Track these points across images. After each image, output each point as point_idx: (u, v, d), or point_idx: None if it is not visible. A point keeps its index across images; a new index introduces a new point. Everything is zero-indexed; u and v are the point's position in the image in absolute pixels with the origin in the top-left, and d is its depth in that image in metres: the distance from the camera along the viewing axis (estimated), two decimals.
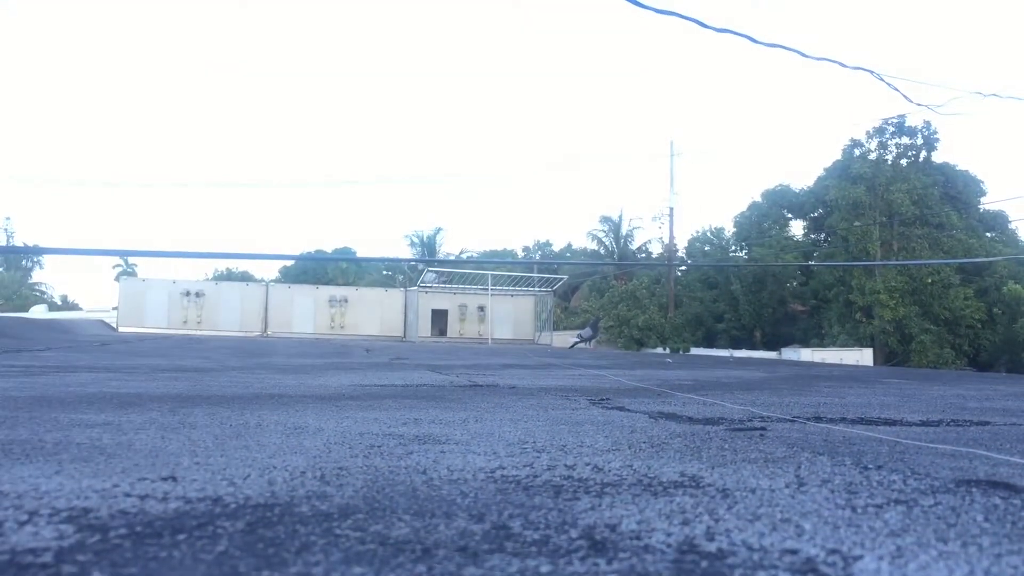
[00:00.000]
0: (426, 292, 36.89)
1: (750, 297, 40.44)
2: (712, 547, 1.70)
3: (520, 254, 64.38)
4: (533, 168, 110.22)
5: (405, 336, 35.19)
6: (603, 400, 5.59)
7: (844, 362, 25.71)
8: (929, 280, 35.51)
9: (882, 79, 8.94)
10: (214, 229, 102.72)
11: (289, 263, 61.24)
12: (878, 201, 36.70)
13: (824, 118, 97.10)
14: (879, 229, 37.02)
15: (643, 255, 53.21)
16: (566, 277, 43.34)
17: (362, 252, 65.33)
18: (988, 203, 41.86)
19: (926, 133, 38.88)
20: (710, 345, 38.26)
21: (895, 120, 38.54)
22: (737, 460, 2.88)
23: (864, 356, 32.18)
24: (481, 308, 37.42)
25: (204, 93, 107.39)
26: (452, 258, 55.15)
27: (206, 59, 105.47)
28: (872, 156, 39.08)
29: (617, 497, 2.19)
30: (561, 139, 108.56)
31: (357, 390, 6.10)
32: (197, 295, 34.40)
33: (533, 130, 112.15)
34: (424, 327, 35.95)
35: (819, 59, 8.48)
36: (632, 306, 39.61)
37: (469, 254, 61.08)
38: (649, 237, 53.34)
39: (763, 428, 3.98)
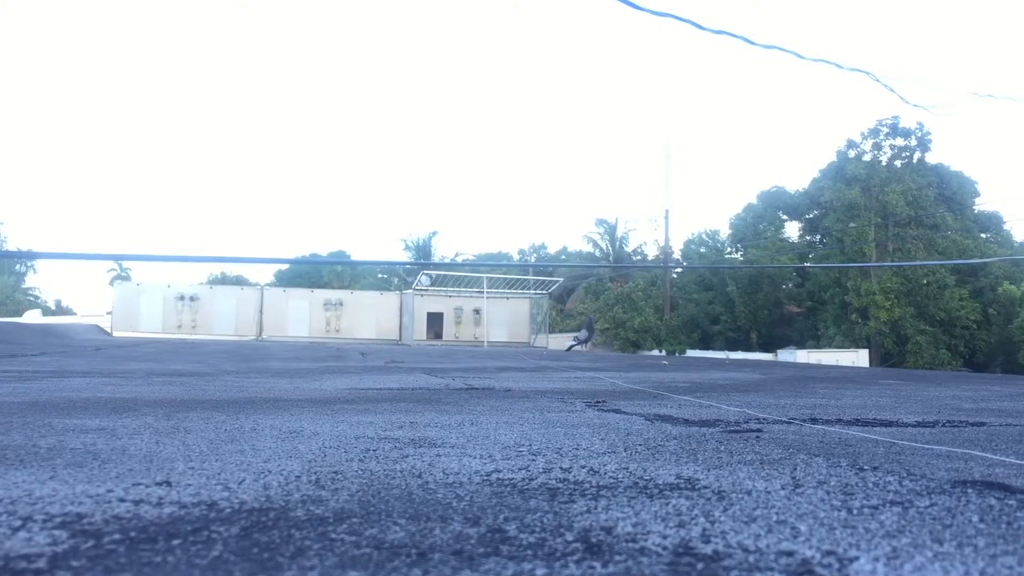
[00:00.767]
0: (422, 295, 36.89)
1: (746, 299, 40.50)
2: (708, 549, 1.70)
3: (516, 257, 64.44)
4: (528, 171, 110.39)
5: (401, 339, 35.17)
6: (599, 403, 5.59)
7: (840, 363, 25.76)
8: (924, 281, 35.60)
9: (878, 80, 8.96)
10: (209, 233, 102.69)
11: (284, 267, 61.17)
12: (873, 202, 36.80)
13: (820, 119, 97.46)
14: (874, 230, 37.12)
15: (639, 257, 53.29)
16: (562, 279, 43.37)
17: (357, 256, 65.28)
18: (983, 204, 42.03)
19: (920, 134, 39.02)
20: (706, 347, 38.32)
21: (889, 121, 38.69)
22: (733, 462, 2.88)
23: (860, 357, 32.25)
24: (477, 311, 37.42)
25: (198, 97, 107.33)
26: (447, 261, 55.16)
27: (201, 63, 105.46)
28: (867, 157, 39.18)
29: (613, 500, 2.19)
30: (556, 141, 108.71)
31: (352, 394, 6.09)
32: (192, 299, 34.33)
33: (528, 133, 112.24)
34: (420, 330, 35.95)
35: (815, 60, 8.49)
36: (628, 308, 39.69)
37: (464, 257, 61.07)
38: (645, 239, 53.50)
39: (759, 430, 3.98)
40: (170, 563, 1.55)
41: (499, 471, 2.63)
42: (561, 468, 2.71)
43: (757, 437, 3.66)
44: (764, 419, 4.56)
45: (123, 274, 58.30)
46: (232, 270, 64.67)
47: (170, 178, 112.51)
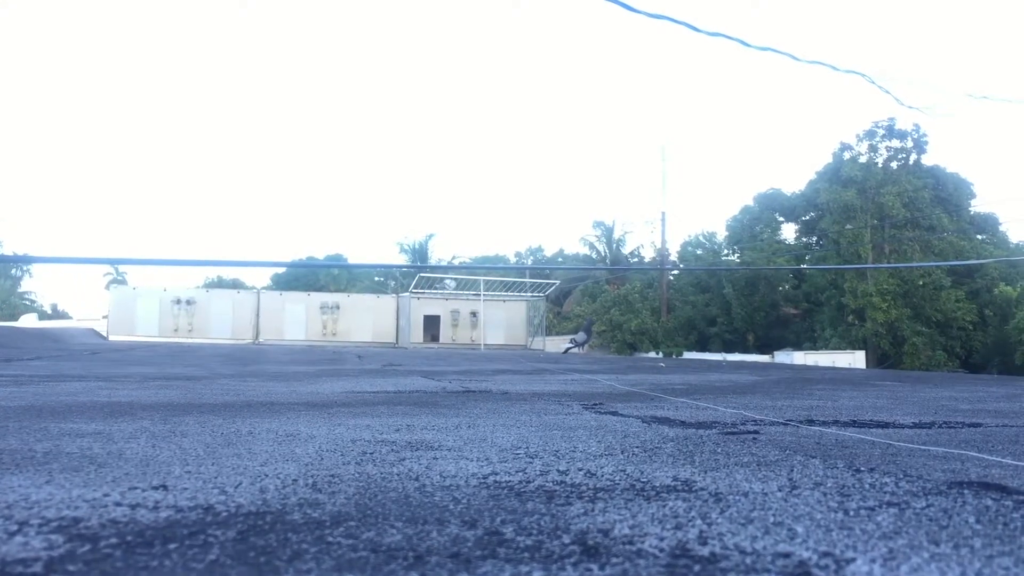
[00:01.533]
0: (418, 298, 36.87)
1: (742, 301, 40.52)
2: (705, 551, 1.70)
3: (512, 260, 64.42)
4: (524, 173, 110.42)
5: (398, 342, 35.13)
6: (596, 405, 5.59)
7: (836, 365, 25.77)
8: (921, 282, 35.66)
9: (873, 82, 8.98)
10: (205, 237, 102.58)
11: (280, 270, 61.11)
12: (869, 204, 36.85)
13: (816, 121, 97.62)
14: (870, 232, 37.17)
15: (636, 259, 53.30)
16: (559, 282, 43.36)
17: (354, 259, 65.31)
18: (979, 206, 42.12)
19: (916, 136, 39.08)
20: (703, 349, 38.33)
21: (885, 123, 38.77)
22: (730, 464, 2.88)
23: (856, 359, 32.29)
24: (474, 313, 37.40)
25: (195, 100, 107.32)
26: (444, 264, 55.15)
27: (198, 67, 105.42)
28: (863, 159, 39.23)
29: (610, 502, 2.19)
30: (553, 144, 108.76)
31: (349, 397, 6.08)
32: (188, 303, 34.28)
33: (524, 135, 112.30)
34: (416, 333, 35.92)
35: (811, 62, 8.52)
36: (625, 311, 39.71)
37: (461, 260, 61.03)
38: (641, 242, 53.55)
39: (756, 432, 3.98)
40: (166, 567, 1.55)
41: (496, 474, 2.63)
42: (558, 471, 2.71)
43: (754, 439, 3.66)
44: (761, 421, 4.57)
45: (119, 278, 58.22)
46: (228, 274, 64.60)
47: (166, 182, 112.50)
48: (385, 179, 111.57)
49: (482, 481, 2.49)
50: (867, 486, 2.44)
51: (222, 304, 35.23)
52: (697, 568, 1.58)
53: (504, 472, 2.66)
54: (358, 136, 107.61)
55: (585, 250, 56.02)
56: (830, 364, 26.16)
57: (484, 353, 24.86)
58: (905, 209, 36.64)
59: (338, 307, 36.21)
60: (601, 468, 2.76)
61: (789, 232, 45.67)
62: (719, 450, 3.25)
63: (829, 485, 2.45)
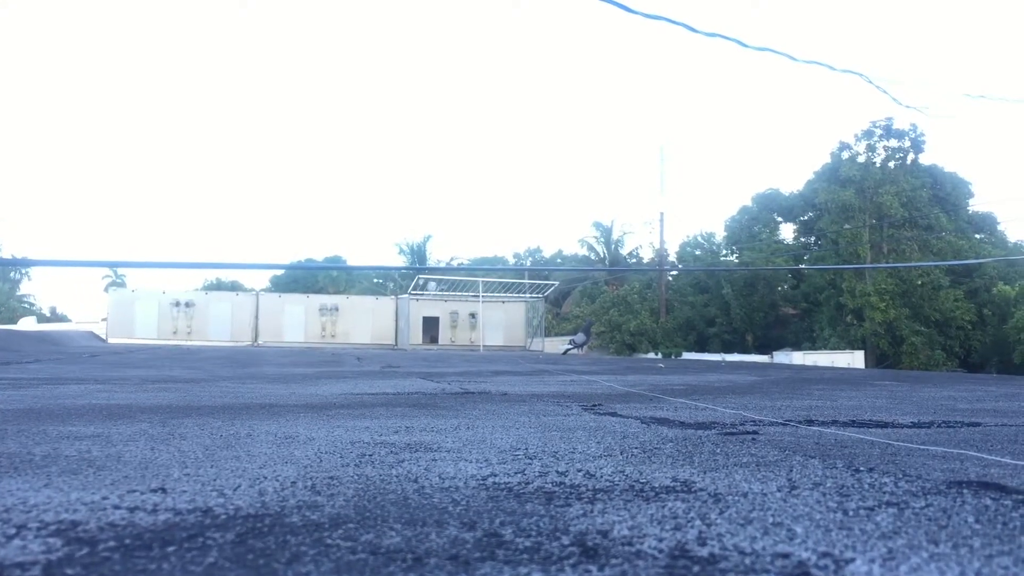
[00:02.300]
0: (417, 300, 36.88)
1: (741, 301, 40.55)
2: (704, 552, 1.70)
3: (511, 261, 64.42)
4: (523, 174, 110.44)
5: (397, 344, 35.15)
6: (595, 406, 5.59)
7: (835, 365, 25.79)
8: (919, 282, 35.70)
9: (871, 82, 8.98)
10: (204, 239, 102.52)
11: (280, 272, 61.10)
12: (867, 204, 36.89)
13: (814, 121, 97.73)
14: (869, 232, 37.22)
15: (634, 260, 53.32)
16: (557, 283, 43.38)
17: (352, 260, 65.29)
18: (977, 205, 42.18)
19: (913, 135, 39.14)
20: (702, 349, 38.36)
21: (883, 123, 38.83)
22: (729, 464, 2.88)
23: (855, 358, 32.32)
24: (472, 315, 37.43)
25: (193, 103, 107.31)
26: (443, 265, 55.16)
27: (196, 70, 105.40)
28: (861, 159, 39.29)
29: (609, 503, 2.19)
30: (551, 145, 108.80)
31: (348, 399, 6.08)
32: (187, 305, 34.32)
33: (522, 136, 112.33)
34: (415, 334, 35.95)
35: (808, 62, 8.51)
36: (624, 311, 39.71)
37: (460, 261, 61.05)
38: (640, 242, 53.56)
39: (755, 432, 3.98)
40: (165, 570, 1.55)
41: (495, 475, 2.63)
42: (557, 472, 2.70)
43: (753, 439, 3.66)
44: (760, 421, 4.57)
45: (118, 280, 58.23)
46: (227, 276, 64.60)
47: (165, 184, 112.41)
48: (384, 180, 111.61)
49: (481, 483, 2.49)
50: (866, 486, 2.44)
51: (221, 306, 35.27)
52: (696, 569, 1.58)
53: (503, 473, 2.66)
54: (356, 137, 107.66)
55: (584, 251, 56.07)
56: (829, 364, 26.18)
57: (483, 354, 24.85)
58: (903, 209, 36.69)
59: (337, 309, 36.25)
60: (600, 469, 2.76)
61: (787, 232, 45.74)
62: (718, 451, 3.25)
63: (828, 485, 2.45)
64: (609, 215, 54.63)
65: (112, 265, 49.08)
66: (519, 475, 2.63)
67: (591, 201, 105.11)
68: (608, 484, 2.48)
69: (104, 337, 32.05)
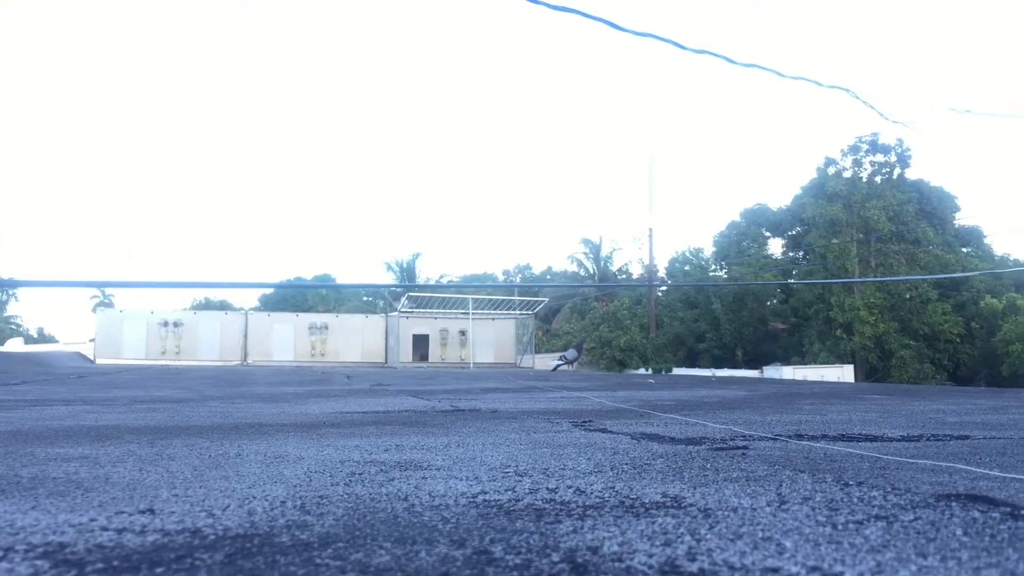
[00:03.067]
0: (407, 317, 36.84)
1: (731, 316, 40.66)
2: (694, 567, 1.70)
3: (501, 278, 64.42)
4: (512, 191, 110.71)
5: (387, 362, 35.07)
6: (585, 422, 5.58)
7: (825, 379, 25.85)
8: (907, 296, 35.88)
9: (858, 97, 9.04)
10: (192, 259, 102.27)
11: (269, 291, 60.97)
12: (855, 218, 37.10)
13: (801, 137, 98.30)
14: (856, 246, 37.40)
15: (624, 276, 53.42)
16: (547, 300, 43.43)
17: (341, 279, 65.13)
18: (963, 219, 42.48)
19: (899, 150, 39.46)
20: (692, 365, 38.40)
21: (869, 138, 39.15)
22: (719, 479, 2.88)
23: (845, 372, 32.39)
24: (462, 332, 37.40)
25: (182, 122, 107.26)
26: (432, 283, 55.12)
27: (183, 89, 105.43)
28: (847, 174, 39.56)
29: (599, 519, 2.19)
30: (540, 162, 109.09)
31: (338, 417, 6.06)
32: (175, 325, 34.18)
33: (511, 153, 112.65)
34: (406, 352, 35.89)
35: (795, 78, 8.56)
36: (614, 327, 39.73)
37: (449, 279, 61.02)
38: (629, 258, 53.79)
39: (745, 447, 3.99)
40: None
41: (485, 492, 2.62)
42: (547, 488, 2.70)
43: (743, 454, 3.67)
44: (750, 436, 4.57)
45: (106, 301, 58.01)
46: (216, 295, 64.43)
47: (152, 205, 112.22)
48: (372, 198, 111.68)
49: (471, 500, 2.49)
50: (855, 500, 2.45)
51: (210, 326, 35.14)
52: None
53: (493, 491, 2.66)
54: (345, 156, 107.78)
55: (573, 267, 56.16)
56: (819, 378, 26.24)
57: (473, 372, 24.82)
58: (890, 223, 36.91)
59: (326, 327, 36.17)
60: (590, 485, 2.76)
61: (776, 247, 45.95)
62: (708, 466, 3.26)
63: (818, 499, 2.46)
64: (598, 231, 54.93)
65: (100, 285, 48.91)
66: (509, 492, 2.63)
67: (580, 218, 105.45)
68: (598, 500, 2.48)
69: (92, 358, 31.88)
